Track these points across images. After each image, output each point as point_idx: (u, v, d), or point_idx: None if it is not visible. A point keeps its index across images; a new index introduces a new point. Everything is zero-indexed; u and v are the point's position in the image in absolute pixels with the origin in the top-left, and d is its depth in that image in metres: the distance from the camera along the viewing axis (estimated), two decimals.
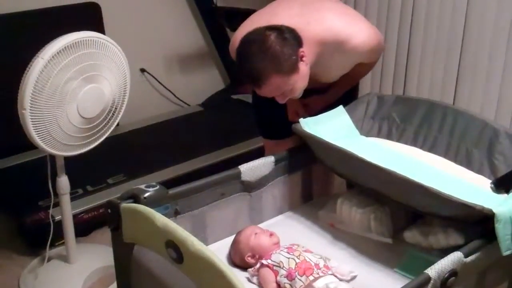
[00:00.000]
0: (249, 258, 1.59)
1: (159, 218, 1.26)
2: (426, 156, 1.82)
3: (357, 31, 1.77)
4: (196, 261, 1.15)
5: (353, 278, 1.52)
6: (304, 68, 1.69)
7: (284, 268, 1.50)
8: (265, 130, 2.26)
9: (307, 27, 1.72)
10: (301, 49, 1.67)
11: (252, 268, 1.58)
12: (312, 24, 1.74)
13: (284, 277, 1.49)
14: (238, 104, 3.35)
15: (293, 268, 1.49)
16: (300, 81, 1.70)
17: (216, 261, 1.11)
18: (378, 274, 1.59)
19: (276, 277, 1.51)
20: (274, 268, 1.52)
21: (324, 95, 2.03)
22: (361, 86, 3.14)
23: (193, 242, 1.16)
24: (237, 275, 1.10)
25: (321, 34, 1.74)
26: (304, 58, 1.68)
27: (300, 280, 1.46)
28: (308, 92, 2.00)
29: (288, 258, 1.52)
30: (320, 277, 1.46)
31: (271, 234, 1.64)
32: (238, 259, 1.63)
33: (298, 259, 1.51)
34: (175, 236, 1.20)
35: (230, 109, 3.33)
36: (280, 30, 1.65)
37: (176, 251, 1.20)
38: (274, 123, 2.15)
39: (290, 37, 1.65)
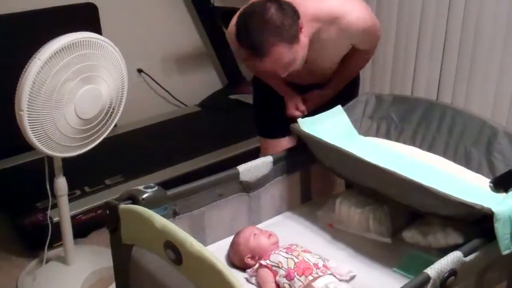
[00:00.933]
0: (249, 260, 1.59)
1: (158, 219, 1.25)
2: (424, 156, 1.82)
3: (352, 9, 1.80)
4: (195, 262, 1.15)
5: (352, 278, 1.52)
6: (304, 39, 1.70)
7: (283, 268, 1.50)
8: (263, 128, 2.25)
9: (303, 2, 1.75)
10: (300, 21, 1.68)
11: (251, 269, 1.57)
12: (309, 1, 1.77)
13: (283, 277, 1.49)
14: (236, 104, 3.35)
15: (292, 268, 1.49)
16: (300, 51, 1.70)
17: (215, 262, 1.11)
18: (377, 274, 1.58)
19: (275, 277, 1.50)
20: (273, 268, 1.51)
21: (323, 89, 2.03)
22: (360, 86, 3.16)
23: (192, 243, 1.15)
24: (236, 276, 1.10)
25: (317, 10, 1.77)
26: (303, 30, 1.69)
27: (299, 280, 1.46)
28: (307, 87, 2.00)
29: (287, 258, 1.52)
30: (319, 276, 1.46)
31: (270, 235, 1.64)
32: (237, 260, 1.63)
33: (297, 259, 1.51)
34: (173, 237, 1.19)
35: (227, 109, 3.33)
36: (279, 2, 1.66)
37: (175, 252, 1.19)
38: (273, 120, 2.15)
39: (289, 9, 1.66)
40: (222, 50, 3.50)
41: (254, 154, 2.14)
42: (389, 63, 2.98)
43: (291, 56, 1.68)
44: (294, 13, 1.67)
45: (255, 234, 1.63)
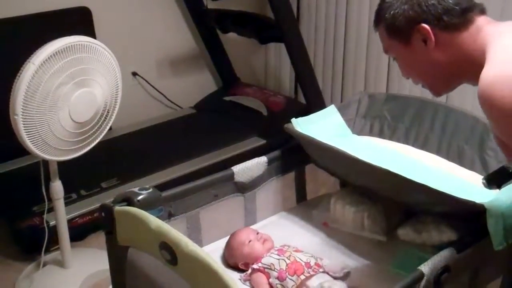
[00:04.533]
0: (242, 266, 1.61)
1: (153, 220, 1.26)
2: (418, 154, 1.83)
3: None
4: (190, 262, 1.15)
5: (346, 275, 1.53)
6: (420, 46, 1.25)
7: (275, 269, 1.51)
8: None
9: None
10: (419, 26, 1.23)
11: (244, 274, 1.58)
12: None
13: (276, 278, 1.50)
14: (231, 105, 3.35)
15: (284, 269, 1.50)
16: (406, 58, 1.32)
17: (210, 262, 1.11)
18: (372, 272, 1.59)
19: (268, 279, 1.51)
20: (266, 270, 1.53)
21: None
22: (354, 85, 3.17)
23: (187, 243, 1.16)
24: (231, 276, 1.10)
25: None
26: (423, 37, 1.24)
27: (292, 279, 1.47)
28: None
29: (279, 259, 1.53)
30: (312, 275, 1.47)
31: (265, 240, 1.64)
32: (232, 262, 1.64)
33: (289, 259, 1.52)
34: (169, 238, 1.20)
35: (222, 111, 3.33)
36: None
37: (170, 253, 1.20)
38: None
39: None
40: (216, 52, 3.51)
41: (249, 155, 2.14)
42: (384, 62, 2.99)
43: (389, 48, 1.35)
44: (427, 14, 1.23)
45: (250, 241, 1.63)
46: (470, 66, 1.22)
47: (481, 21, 1.24)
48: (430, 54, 1.26)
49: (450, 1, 1.22)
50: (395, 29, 1.28)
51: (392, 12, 1.27)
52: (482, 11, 1.27)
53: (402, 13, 1.25)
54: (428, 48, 1.25)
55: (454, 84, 1.34)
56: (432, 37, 1.23)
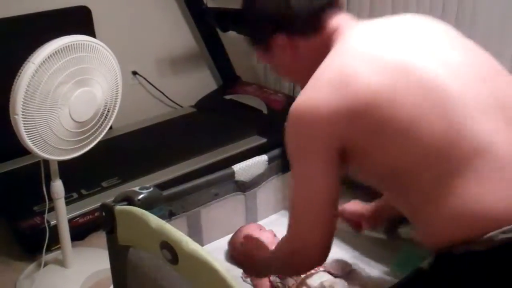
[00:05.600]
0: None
1: (153, 219, 1.26)
2: None
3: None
4: (191, 261, 1.16)
5: (347, 273, 1.53)
6: (280, 53, 1.30)
7: None
8: None
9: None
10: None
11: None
12: None
13: (276, 276, 1.50)
14: (231, 104, 3.35)
15: None
16: (272, 63, 1.37)
17: (211, 261, 1.12)
18: (373, 270, 1.59)
19: (269, 277, 1.51)
20: None
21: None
22: None
23: (188, 242, 1.16)
24: (232, 275, 1.11)
25: None
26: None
27: (292, 278, 1.47)
28: None
29: None
30: (313, 274, 1.47)
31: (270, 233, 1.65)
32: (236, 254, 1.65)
33: None
34: (169, 237, 1.20)
35: (223, 109, 3.33)
36: None
37: (171, 252, 1.20)
38: None
39: None
40: (216, 51, 3.51)
41: (250, 154, 2.14)
42: None
43: (261, 58, 1.40)
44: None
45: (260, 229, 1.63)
46: None
47: (335, 22, 1.25)
48: (290, 59, 1.29)
49: (299, 8, 1.24)
50: (255, 40, 1.35)
51: (249, 24, 1.35)
52: (337, 10, 1.27)
53: (257, 25, 1.31)
54: (288, 54, 1.28)
55: None
56: (289, 44, 1.27)
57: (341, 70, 1.13)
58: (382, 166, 1.13)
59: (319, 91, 1.12)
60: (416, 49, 1.15)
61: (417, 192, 1.11)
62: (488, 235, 1.02)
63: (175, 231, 1.20)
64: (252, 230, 1.67)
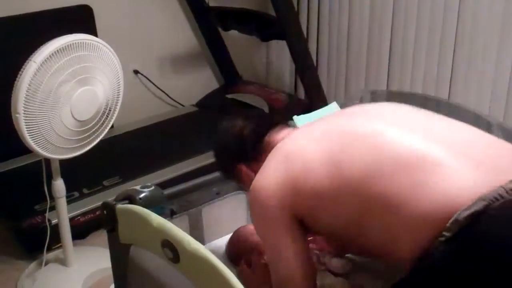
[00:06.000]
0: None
1: (155, 218, 1.26)
2: None
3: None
4: (193, 260, 1.16)
5: (348, 271, 1.52)
6: (246, 178, 1.47)
7: None
8: None
9: None
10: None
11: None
12: None
13: None
14: (233, 103, 3.35)
15: None
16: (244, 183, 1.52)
17: (212, 260, 1.11)
18: (374, 269, 1.59)
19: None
20: None
21: None
22: (356, 81, 3.17)
23: (189, 241, 1.16)
24: (233, 274, 1.10)
25: None
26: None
27: None
28: None
29: None
30: None
31: None
32: (236, 255, 1.64)
33: None
34: (171, 236, 1.20)
35: (224, 108, 3.33)
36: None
37: (172, 250, 1.20)
38: None
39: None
40: (218, 50, 3.51)
41: None
42: (385, 60, 2.99)
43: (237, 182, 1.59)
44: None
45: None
46: None
47: (280, 136, 1.41)
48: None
49: (249, 139, 1.44)
50: (226, 174, 1.55)
51: (218, 162, 1.54)
52: (279, 127, 1.46)
53: (223, 161, 1.52)
54: (251, 175, 1.40)
55: None
56: (249, 169, 1.43)
57: (285, 148, 1.32)
58: (336, 224, 1.23)
59: (269, 169, 1.30)
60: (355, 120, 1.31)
61: (373, 230, 1.17)
62: (453, 218, 1.03)
63: (177, 230, 1.20)
64: (250, 231, 1.66)
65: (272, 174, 1.29)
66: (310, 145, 1.27)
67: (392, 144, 1.18)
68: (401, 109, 1.36)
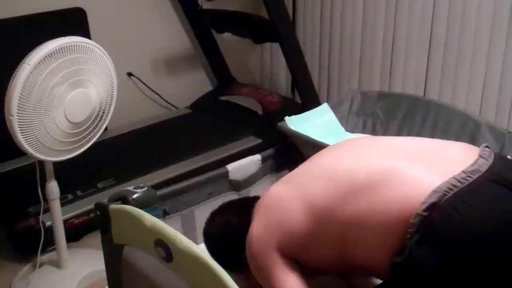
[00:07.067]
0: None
1: (148, 218, 1.27)
2: None
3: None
4: (186, 259, 1.17)
5: None
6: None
7: None
8: None
9: None
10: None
11: None
12: None
13: None
14: (226, 105, 3.36)
15: None
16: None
17: (205, 258, 1.12)
18: None
19: None
20: None
21: None
22: (348, 83, 3.19)
23: (182, 240, 1.17)
24: (225, 272, 1.12)
25: None
26: None
27: None
28: None
29: None
30: None
31: None
32: None
33: None
34: (163, 235, 1.21)
35: (218, 110, 3.34)
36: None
37: (165, 249, 1.21)
38: None
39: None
40: (212, 52, 3.52)
41: (245, 154, 2.15)
42: (378, 61, 3.00)
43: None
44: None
45: None
46: None
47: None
48: None
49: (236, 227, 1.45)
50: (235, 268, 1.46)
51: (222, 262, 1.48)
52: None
53: (227, 259, 1.44)
54: None
55: None
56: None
57: (263, 200, 1.42)
58: (324, 254, 1.32)
59: (257, 224, 1.38)
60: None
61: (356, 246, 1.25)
62: (414, 214, 1.12)
63: (170, 229, 1.21)
64: None
65: (259, 226, 1.37)
66: (285, 191, 1.37)
67: (347, 171, 1.29)
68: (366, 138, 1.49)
